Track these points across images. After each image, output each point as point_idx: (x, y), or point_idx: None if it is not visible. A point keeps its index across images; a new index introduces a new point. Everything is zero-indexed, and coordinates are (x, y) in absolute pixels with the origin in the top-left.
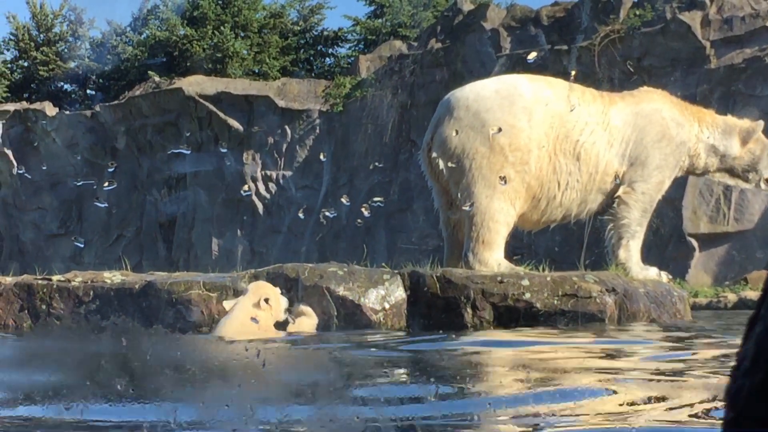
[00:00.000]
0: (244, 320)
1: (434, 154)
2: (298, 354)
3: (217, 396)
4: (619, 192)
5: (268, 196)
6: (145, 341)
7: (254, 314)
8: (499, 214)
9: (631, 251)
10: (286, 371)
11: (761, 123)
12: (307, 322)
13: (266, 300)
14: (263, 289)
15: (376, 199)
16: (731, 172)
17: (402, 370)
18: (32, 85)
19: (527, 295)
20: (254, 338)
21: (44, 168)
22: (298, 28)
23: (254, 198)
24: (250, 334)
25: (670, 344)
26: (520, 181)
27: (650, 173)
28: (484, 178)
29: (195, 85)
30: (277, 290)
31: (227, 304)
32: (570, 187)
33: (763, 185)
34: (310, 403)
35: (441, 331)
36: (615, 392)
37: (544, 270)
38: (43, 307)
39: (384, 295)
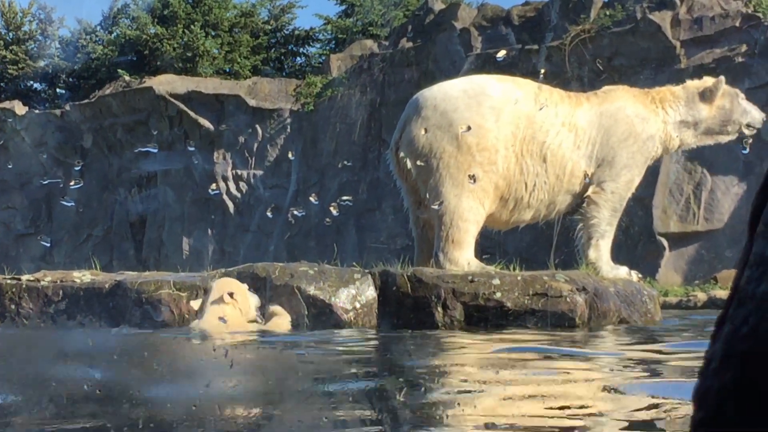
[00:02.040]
0: (212, 319)
1: (402, 154)
2: None
3: None
4: (589, 192)
5: (238, 195)
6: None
7: (221, 311)
8: (468, 213)
9: (601, 251)
10: None
11: (722, 78)
12: (281, 322)
13: (230, 294)
14: (227, 285)
15: (344, 198)
16: (709, 132)
17: None
18: (1, 84)
19: (498, 295)
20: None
21: (10, 167)
22: (269, 27)
23: (225, 197)
24: (224, 331)
25: None
26: (489, 181)
27: (618, 172)
28: (452, 177)
29: (165, 84)
30: (244, 286)
31: (195, 304)
32: (537, 188)
33: (745, 130)
34: None
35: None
36: None
37: (514, 269)
38: (12, 306)
39: (355, 295)
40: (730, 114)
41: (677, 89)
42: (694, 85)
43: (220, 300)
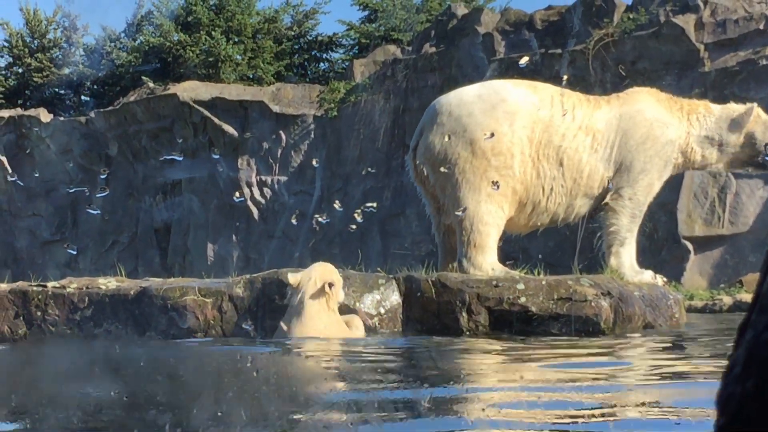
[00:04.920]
0: (322, 318)
1: (419, 161)
2: None
3: None
4: (607, 199)
5: (263, 201)
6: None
7: (320, 308)
8: (488, 216)
9: (621, 258)
10: None
11: (755, 105)
12: (358, 331)
13: (330, 285)
14: (328, 273)
15: (368, 204)
16: (738, 162)
17: None
18: (26, 92)
19: (522, 299)
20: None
21: (36, 175)
22: (292, 33)
23: (249, 203)
24: (333, 333)
25: None
26: (506, 185)
27: (635, 177)
28: (468, 182)
29: (189, 90)
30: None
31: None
32: (555, 192)
33: None
34: None
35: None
36: None
37: (538, 274)
38: (38, 313)
39: (379, 300)
40: (759, 144)
41: (714, 107)
42: (733, 107)
43: (319, 293)
